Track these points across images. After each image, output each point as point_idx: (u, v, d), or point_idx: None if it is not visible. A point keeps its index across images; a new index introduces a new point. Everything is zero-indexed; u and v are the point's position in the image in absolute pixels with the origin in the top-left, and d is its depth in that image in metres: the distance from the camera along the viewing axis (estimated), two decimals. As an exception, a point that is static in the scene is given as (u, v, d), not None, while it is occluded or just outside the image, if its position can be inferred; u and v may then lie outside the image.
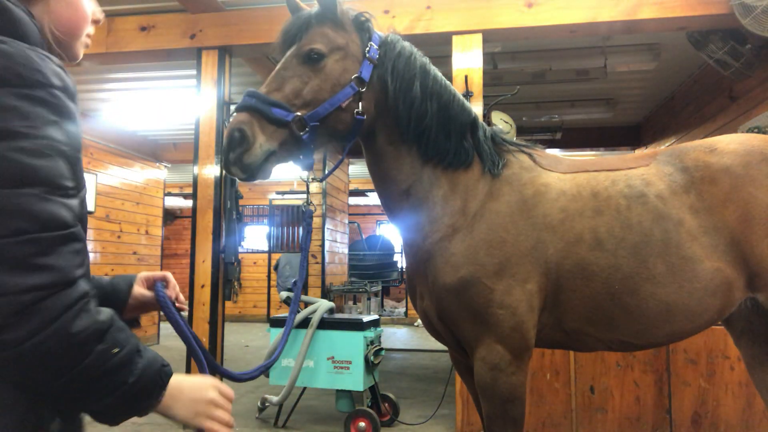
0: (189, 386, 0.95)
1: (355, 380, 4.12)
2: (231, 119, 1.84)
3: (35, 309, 0.74)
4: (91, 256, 7.63)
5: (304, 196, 2.03)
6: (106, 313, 0.84)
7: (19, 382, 0.80)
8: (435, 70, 2.11)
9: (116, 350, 0.82)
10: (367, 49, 1.99)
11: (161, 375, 0.90)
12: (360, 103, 1.95)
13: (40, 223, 0.77)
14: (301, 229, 7.75)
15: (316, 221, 7.91)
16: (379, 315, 6.71)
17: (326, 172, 7.42)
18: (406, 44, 2.09)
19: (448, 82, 2.14)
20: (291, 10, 2.06)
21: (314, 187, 2.06)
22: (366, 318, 4.35)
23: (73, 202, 0.83)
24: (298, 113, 1.85)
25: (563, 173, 2.12)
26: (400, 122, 2.02)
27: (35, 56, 0.82)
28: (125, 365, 0.84)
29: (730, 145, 2.10)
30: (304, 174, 2.00)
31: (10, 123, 0.77)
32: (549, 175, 2.11)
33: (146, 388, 0.88)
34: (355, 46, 2.00)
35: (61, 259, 0.77)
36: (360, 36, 2.02)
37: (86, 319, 0.78)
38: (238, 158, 1.77)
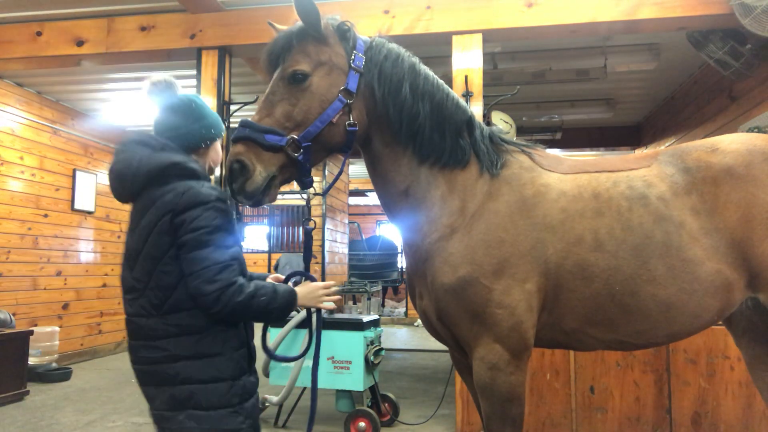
0: (306, 293, 1.90)
1: (355, 380, 4.12)
2: (229, 152, 1.92)
3: (220, 298, 1.68)
4: (91, 256, 7.62)
5: (304, 195, 2.06)
6: (252, 284, 1.74)
7: (230, 323, 1.79)
8: (426, 70, 2.10)
9: (263, 297, 1.73)
10: (352, 58, 1.99)
11: (291, 296, 1.83)
12: (351, 115, 1.97)
13: (215, 263, 1.69)
14: (301, 229, 7.76)
15: (317, 221, 7.91)
16: (379, 315, 6.71)
17: (325, 174, 7.42)
18: (393, 46, 2.08)
19: (441, 82, 2.13)
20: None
21: (315, 188, 2.10)
22: (366, 318, 4.35)
23: (230, 251, 1.75)
24: (292, 135, 1.89)
25: (564, 174, 2.12)
26: (393, 125, 2.03)
27: (207, 188, 1.77)
28: (272, 301, 1.76)
29: (731, 144, 2.10)
30: (306, 192, 2.06)
31: (201, 222, 1.70)
32: (549, 175, 2.10)
33: (286, 305, 1.81)
34: (339, 58, 2.00)
35: (226, 275, 1.70)
36: (344, 46, 2.02)
37: (242, 294, 1.69)
38: (241, 188, 1.88)
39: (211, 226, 1.72)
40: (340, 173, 2.35)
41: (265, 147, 1.87)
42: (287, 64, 1.96)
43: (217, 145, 2.01)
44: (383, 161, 2.09)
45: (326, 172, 7.52)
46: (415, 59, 2.10)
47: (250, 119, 1.92)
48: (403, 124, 2.01)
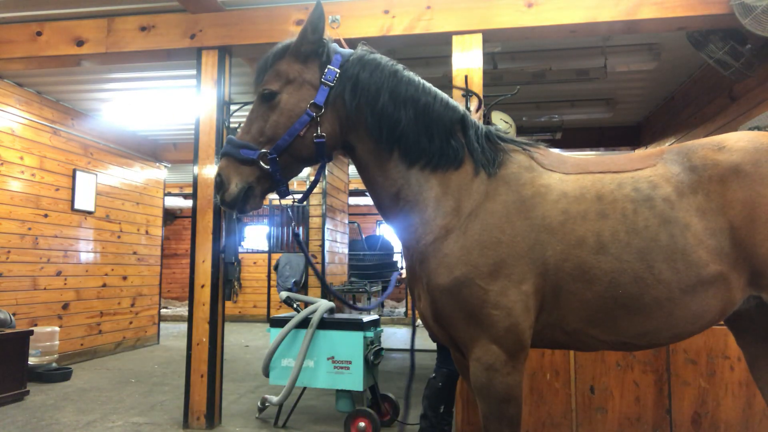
0: None
1: (355, 380, 4.12)
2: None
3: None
4: (91, 256, 7.63)
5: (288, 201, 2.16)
6: None
7: None
8: (410, 76, 2.13)
9: None
10: (324, 72, 2.08)
11: None
12: (319, 127, 2.06)
13: None
14: (301, 229, 7.76)
15: (317, 221, 7.92)
16: (379, 315, 6.71)
17: (325, 176, 7.41)
18: (373, 56, 2.13)
19: (428, 85, 2.14)
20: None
21: (315, 188, 2.17)
22: (366, 318, 4.35)
23: None
24: (263, 150, 2.05)
25: (566, 174, 2.09)
26: (372, 133, 2.07)
27: None
28: None
29: (739, 142, 2.07)
30: (284, 201, 2.23)
31: None
32: (551, 175, 2.08)
33: None
34: (311, 73, 2.10)
35: None
36: (318, 61, 2.11)
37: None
38: (222, 199, 2.07)
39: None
40: (314, 183, 2.38)
41: (241, 161, 2.05)
42: (261, 84, 2.12)
43: None
44: (370, 167, 2.12)
45: (325, 173, 7.52)
46: (399, 66, 2.14)
47: (233, 136, 2.11)
48: (384, 131, 2.06)
